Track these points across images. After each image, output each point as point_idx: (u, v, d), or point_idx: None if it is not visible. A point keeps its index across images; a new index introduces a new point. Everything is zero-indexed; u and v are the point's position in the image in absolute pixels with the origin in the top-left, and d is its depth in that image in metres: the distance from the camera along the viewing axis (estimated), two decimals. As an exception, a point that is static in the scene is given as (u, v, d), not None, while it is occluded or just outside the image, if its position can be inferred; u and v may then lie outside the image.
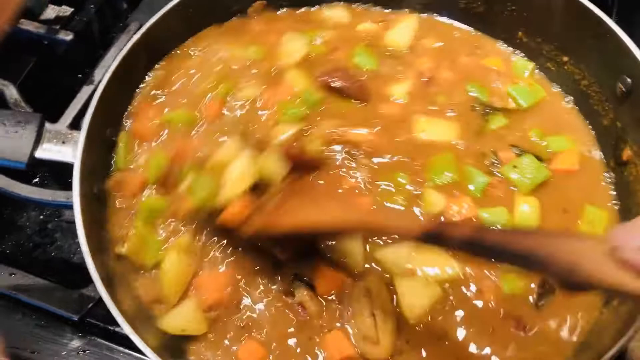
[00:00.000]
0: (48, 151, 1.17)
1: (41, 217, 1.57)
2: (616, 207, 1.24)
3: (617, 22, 1.22)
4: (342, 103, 1.38)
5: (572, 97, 1.40)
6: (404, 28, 1.50)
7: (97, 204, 1.19)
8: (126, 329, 0.97)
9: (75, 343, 1.27)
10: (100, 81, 1.24)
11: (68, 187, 1.29)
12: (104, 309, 1.29)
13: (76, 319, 1.29)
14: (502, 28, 1.49)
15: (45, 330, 1.29)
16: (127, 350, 1.25)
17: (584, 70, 1.35)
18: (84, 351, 1.26)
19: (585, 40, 1.31)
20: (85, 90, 1.50)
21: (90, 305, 1.30)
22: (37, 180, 1.58)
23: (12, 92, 1.51)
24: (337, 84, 1.38)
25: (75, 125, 1.44)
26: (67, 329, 1.29)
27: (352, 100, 1.38)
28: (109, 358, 1.25)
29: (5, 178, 1.34)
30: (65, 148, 1.17)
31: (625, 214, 1.22)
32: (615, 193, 1.26)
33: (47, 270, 1.39)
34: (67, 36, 1.62)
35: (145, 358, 1.20)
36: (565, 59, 1.39)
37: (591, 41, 1.30)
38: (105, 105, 1.21)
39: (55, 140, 1.17)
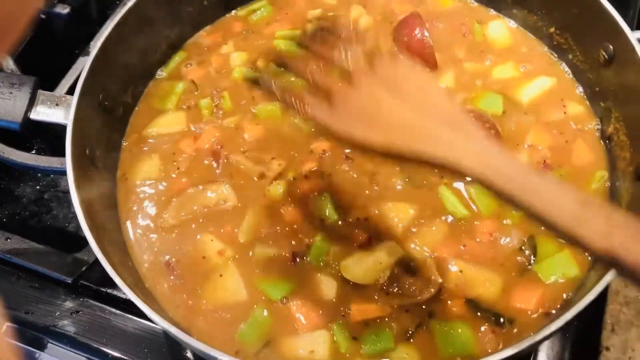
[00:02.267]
0: (42, 113, 1.19)
1: (38, 187, 1.59)
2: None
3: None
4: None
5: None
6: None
7: (92, 167, 1.20)
8: (118, 282, 0.99)
9: (69, 304, 1.30)
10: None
11: (63, 156, 1.32)
12: (97, 272, 1.34)
13: (70, 282, 1.31)
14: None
15: (40, 292, 1.31)
16: (119, 311, 1.27)
17: (570, 40, 1.38)
18: (77, 312, 1.28)
19: (570, 9, 1.34)
20: (81, 61, 1.52)
21: (84, 268, 1.32)
22: (33, 151, 1.60)
23: (8, 64, 1.53)
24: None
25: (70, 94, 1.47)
26: (60, 290, 1.32)
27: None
28: (101, 318, 1.27)
29: (1, 145, 1.37)
30: (58, 110, 1.19)
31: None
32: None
33: (42, 237, 1.41)
34: (64, 9, 1.64)
35: (135, 318, 1.25)
36: (552, 29, 1.42)
37: (575, 10, 1.32)
38: (99, 71, 1.23)
39: (49, 103, 1.19)
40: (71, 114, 1.15)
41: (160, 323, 0.98)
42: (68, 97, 1.21)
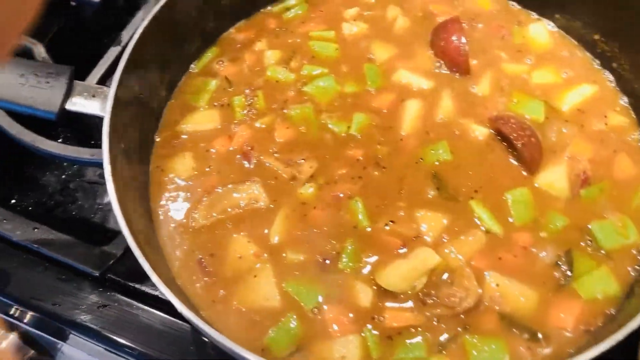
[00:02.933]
0: (78, 104, 1.17)
1: (63, 176, 1.59)
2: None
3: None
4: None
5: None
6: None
7: (125, 160, 1.19)
8: (154, 279, 0.97)
9: (95, 298, 1.29)
10: (128, 41, 1.24)
11: (90, 147, 1.31)
12: (125, 266, 1.33)
13: (97, 275, 1.30)
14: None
15: (67, 284, 1.30)
16: (146, 307, 1.26)
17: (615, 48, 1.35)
18: (105, 306, 1.27)
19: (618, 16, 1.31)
20: (113, 51, 1.50)
21: (112, 261, 1.31)
22: (59, 140, 1.59)
23: (40, 51, 1.51)
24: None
25: (102, 84, 1.45)
26: (87, 283, 1.31)
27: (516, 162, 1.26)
28: (128, 313, 1.26)
29: (32, 134, 1.36)
30: (94, 102, 1.17)
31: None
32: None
33: (67, 228, 1.40)
34: (95, -2, 1.63)
35: (162, 314, 1.24)
36: (596, 36, 1.39)
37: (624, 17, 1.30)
38: (136, 61, 1.21)
39: (85, 94, 1.18)
40: (108, 106, 1.14)
41: (195, 322, 0.96)
42: (105, 88, 1.19)
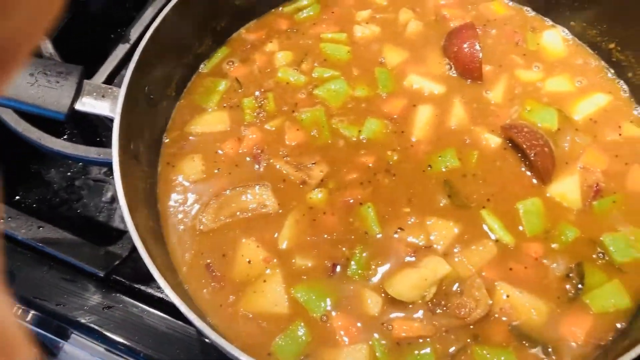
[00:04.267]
0: (87, 105, 1.16)
1: (68, 173, 1.57)
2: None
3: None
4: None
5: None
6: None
7: (134, 161, 1.17)
8: (161, 283, 0.96)
9: (100, 299, 1.28)
10: (137, 39, 1.22)
11: (96, 144, 1.29)
12: (130, 267, 1.32)
13: (102, 275, 1.29)
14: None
15: (71, 284, 1.29)
16: (152, 309, 1.25)
17: (631, 57, 1.33)
18: (109, 307, 1.26)
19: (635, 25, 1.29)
20: (121, 48, 1.48)
21: (117, 262, 1.30)
22: (64, 137, 1.58)
23: (47, 47, 1.50)
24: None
25: (109, 82, 1.44)
26: (92, 284, 1.30)
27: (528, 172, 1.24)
28: (133, 315, 1.25)
29: (39, 131, 1.34)
30: (104, 102, 1.16)
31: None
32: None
33: (71, 226, 1.39)
34: (102, -6, 1.61)
35: (168, 317, 1.23)
36: (612, 45, 1.37)
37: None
38: (146, 61, 1.20)
39: (95, 94, 1.16)
40: (119, 107, 1.12)
41: (201, 327, 0.95)
42: (115, 88, 1.17)
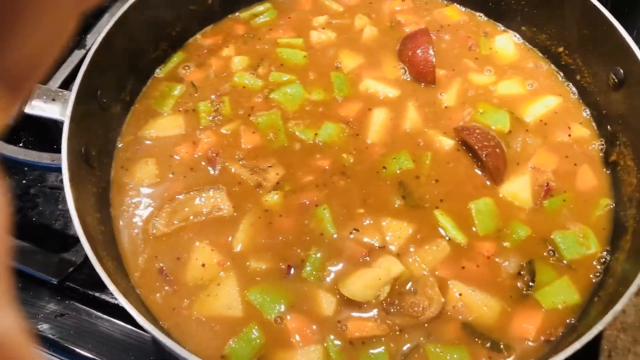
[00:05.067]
0: (37, 108, 1.14)
1: (24, 181, 1.54)
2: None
3: (612, 13, 1.23)
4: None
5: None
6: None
7: (86, 165, 1.16)
8: (111, 288, 0.95)
9: (54, 307, 1.26)
10: (92, 45, 1.21)
11: (53, 151, 1.27)
12: (84, 274, 1.30)
13: (55, 283, 1.27)
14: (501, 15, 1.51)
15: (24, 292, 1.27)
16: (105, 316, 1.24)
17: (578, 60, 1.37)
18: (62, 315, 1.24)
19: (581, 30, 1.32)
20: (77, 54, 1.47)
21: (71, 269, 1.28)
22: (21, 144, 1.55)
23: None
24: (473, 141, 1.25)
25: (64, 88, 1.42)
26: (45, 292, 1.28)
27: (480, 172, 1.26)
28: (87, 323, 1.23)
29: (-10, 137, 1.32)
30: (54, 106, 1.15)
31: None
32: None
33: (27, 235, 1.37)
34: (60, 0, 1.59)
35: (123, 324, 1.22)
36: (560, 49, 1.40)
37: (586, 31, 1.31)
38: (99, 66, 1.19)
39: (45, 97, 1.15)
40: (68, 111, 1.11)
41: (153, 332, 0.94)
42: (65, 92, 1.16)
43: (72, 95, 1.12)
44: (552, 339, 1.07)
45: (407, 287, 1.11)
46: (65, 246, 1.34)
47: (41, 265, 1.29)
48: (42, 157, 1.27)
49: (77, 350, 1.21)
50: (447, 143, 1.29)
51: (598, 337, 1.20)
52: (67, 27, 0.40)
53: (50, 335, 1.22)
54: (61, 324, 1.23)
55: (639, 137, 1.20)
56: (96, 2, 0.42)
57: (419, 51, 1.38)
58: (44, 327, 1.23)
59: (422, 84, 1.38)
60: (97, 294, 1.27)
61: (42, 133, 1.58)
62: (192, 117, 1.34)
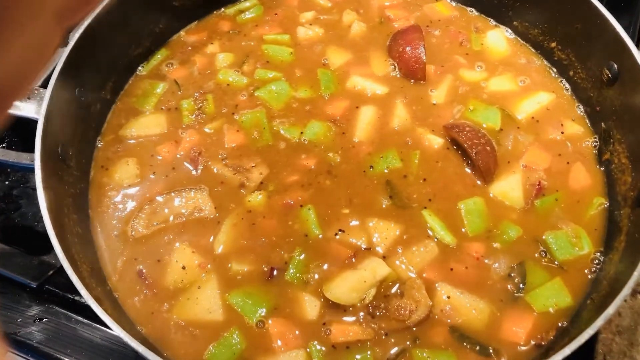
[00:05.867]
0: (13, 106, 1.11)
1: (7, 182, 1.51)
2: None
3: (608, 7, 1.19)
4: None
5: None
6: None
7: (62, 165, 1.13)
8: (83, 292, 0.92)
9: (33, 310, 1.22)
10: (70, 41, 1.18)
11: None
12: (65, 277, 1.25)
13: (35, 286, 1.23)
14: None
15: (2, 296, 1.24)
16: (85, 320, 1.20)
17: (572, 56, 1.33)
18: (41, 319, 1.21)
19: (574, 24, 1.29)
20: (58, 52, 1.44)
21: (51, 272, 1.25)
22: (4, 145, 1.52)
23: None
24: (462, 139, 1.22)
25: (44, 86, 1.39)
26: (25, 295, 1.24)
27: (470, 171, 1.23)
28: (67, 327, 1.20)
29: (-31, 137, 1.29)
30: (29, 104, 1.11)
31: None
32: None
33: (8, 237, 1.34)
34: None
35: (103, 328, 1.18)
36: (553, 44, 1.37)
37: (579, 26, 1.27)
38: (77, 63, 1.16)
39: (19, 95, 1.11)
40: (43, 108, 1.08)
41: (125, 338, 0.91)
42: (41, 90, 1.13)
43: (47, 93, 1.09)
44: (543, 343, 1.03)
45: (394, 289, 1.07)
46: (48, 249, 1.31)
47: (20, 268, 1.26)
48: (21, 158, 1.24)
49: (56, 355, 1.17)
50: (436, 141, 1.25)
51: (593, 341, 1.17)
52: (50, 43, 0.40)
53: (29, 340, 1.18)
54: (41, 328, 1.20)
55: (633, 133, 1.16)
56: (79, 19, 0.42)
57: (409, 47, 1.34)
58: (24, 331, 1.19)
59: (412, 80, 1.35)
60: (76, 298, 1.24)
61: (26, 133, 1.55)
62: (174, 115, 1.30)
